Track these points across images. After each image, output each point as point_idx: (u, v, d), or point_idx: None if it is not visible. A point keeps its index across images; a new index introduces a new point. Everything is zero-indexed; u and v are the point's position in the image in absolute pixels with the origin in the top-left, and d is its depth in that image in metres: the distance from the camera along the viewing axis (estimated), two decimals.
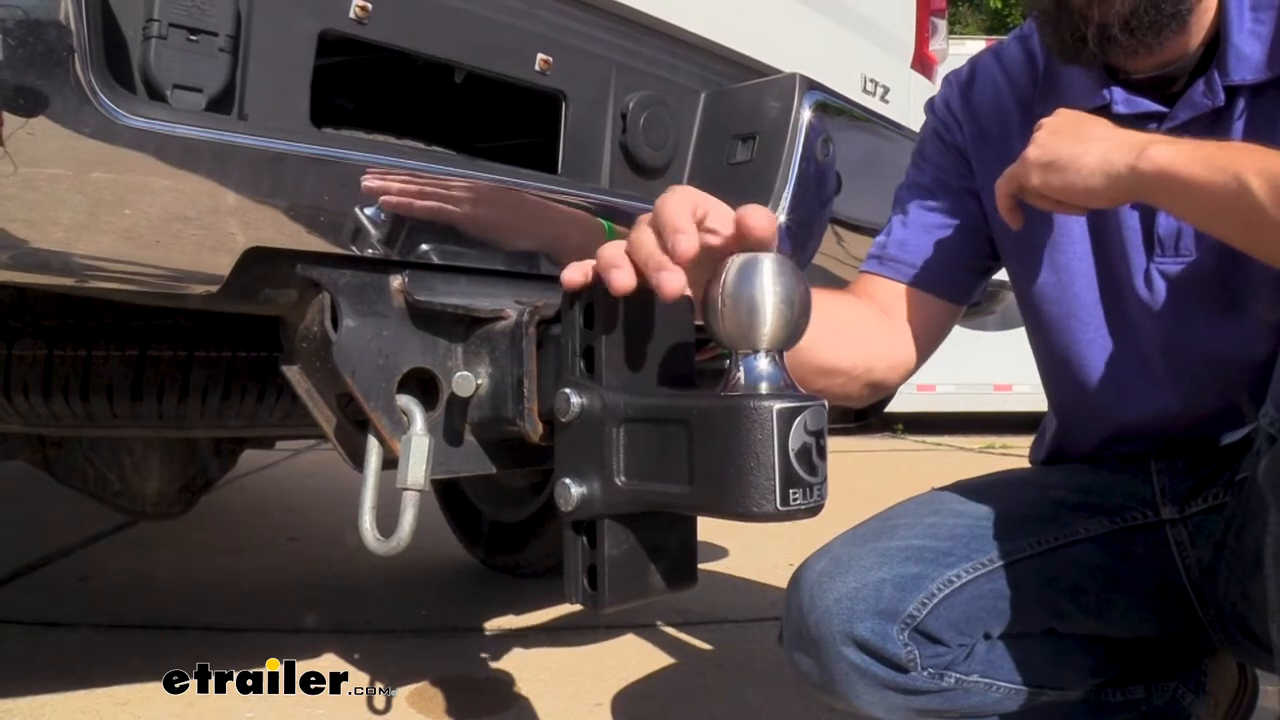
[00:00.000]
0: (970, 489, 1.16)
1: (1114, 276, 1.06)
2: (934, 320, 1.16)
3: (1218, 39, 0.95)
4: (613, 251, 0.71)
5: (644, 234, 0.70)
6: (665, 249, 0.68)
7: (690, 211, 0.69)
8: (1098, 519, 1.08)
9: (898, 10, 1.89)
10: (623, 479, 0.74)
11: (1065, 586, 1.05)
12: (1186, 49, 0.96)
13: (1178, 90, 0.99)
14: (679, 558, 0.81)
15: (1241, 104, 0.95)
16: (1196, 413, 1.06)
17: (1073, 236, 1.08)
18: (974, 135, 1.15)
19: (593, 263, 0.74)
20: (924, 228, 1.16)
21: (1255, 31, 0.93)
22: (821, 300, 0.95)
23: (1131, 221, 1.03)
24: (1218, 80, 0.94)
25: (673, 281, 0.67)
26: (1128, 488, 1.09)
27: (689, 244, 0.67)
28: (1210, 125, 0.96)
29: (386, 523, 0.91)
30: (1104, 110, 1.01)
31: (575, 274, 0.75)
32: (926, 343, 1.16)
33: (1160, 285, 1.03)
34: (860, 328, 1.11)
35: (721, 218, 0.72)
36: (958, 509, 1.10)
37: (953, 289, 1.15)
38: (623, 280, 0.69)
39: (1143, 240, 1.03)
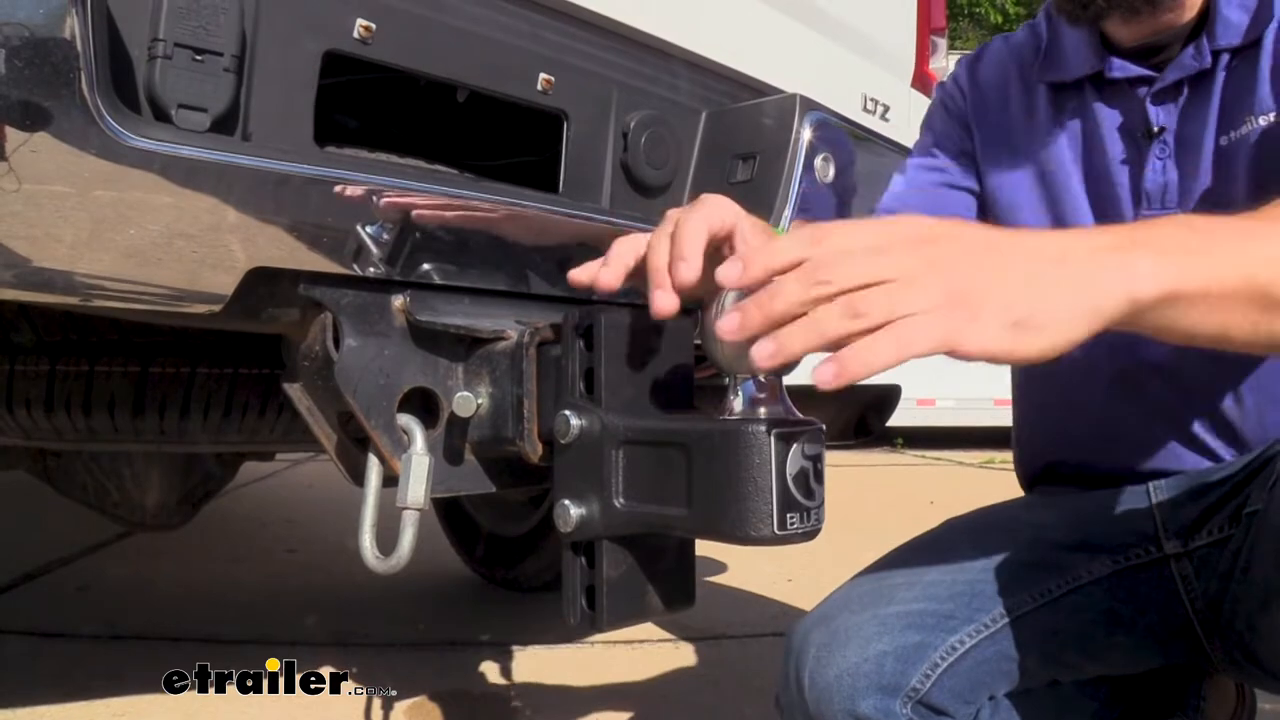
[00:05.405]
0: (966, 533, 1.13)
1: None
2: None
3: (1207, 12, 1.02)
4: (620, 249, 0.75)
5: (661, 241, 0.73)
6: (672, 266, 0.70)
7: (706, 232, 0.72)
8: (1099, 559, 1.06)
9: (898, 29, 1.90)
10: (621, 500, 0.75)
11: (1070, 637, 1.03)
12: (1179, 19, 1.03)
13: (1167, 58, 1.04)
14: (677, 578, 0.82)
15: (1223, 64, 1.01)
16: (1190, 406, 1.07)
17: (1081, 210, 1.10)
18: (975, 103, 1.20)
19: (598, 265, 0.77)
20: (920, 187, 1.20)
21: (1244, 4, 1.00)
22: None
23: (1122, 179, 1.07)
24: (1206, 45, 1.01)
25: (664, 302, 0.70)
26: (1127, 522, 1.09)
27: (688, 274, 0.69)
28: (1194, 84, 1.03)
29: (386, 540, 0.91)
30: (1098, 76, 1.08)
31: (582, 274, 0.78)
32: None
33: None
34: None
35: (743, 241, 0.75)
36: (955, 563, 1.07)
37: None
38: (607, 279, 0.74)
39: (1131, 194, 1.07)
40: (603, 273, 0.74)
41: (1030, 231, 0.66)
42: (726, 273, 0.62)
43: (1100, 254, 0.63)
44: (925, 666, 0.97)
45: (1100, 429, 1.13)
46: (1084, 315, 0.62)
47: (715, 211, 0.74)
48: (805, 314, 0.58)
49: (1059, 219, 1.12)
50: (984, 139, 1.18)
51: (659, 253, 0.72)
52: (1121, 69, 1.06)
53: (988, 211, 1.19)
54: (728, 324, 0.60)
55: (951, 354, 0.59)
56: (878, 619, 1.00)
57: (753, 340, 0.59)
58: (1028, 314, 0.60)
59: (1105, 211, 1.09)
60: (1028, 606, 1.03)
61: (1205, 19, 1.02)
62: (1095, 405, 1.11)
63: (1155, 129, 1.04)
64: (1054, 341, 0.61)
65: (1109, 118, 1.09)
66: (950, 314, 0.59)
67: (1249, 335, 0.67)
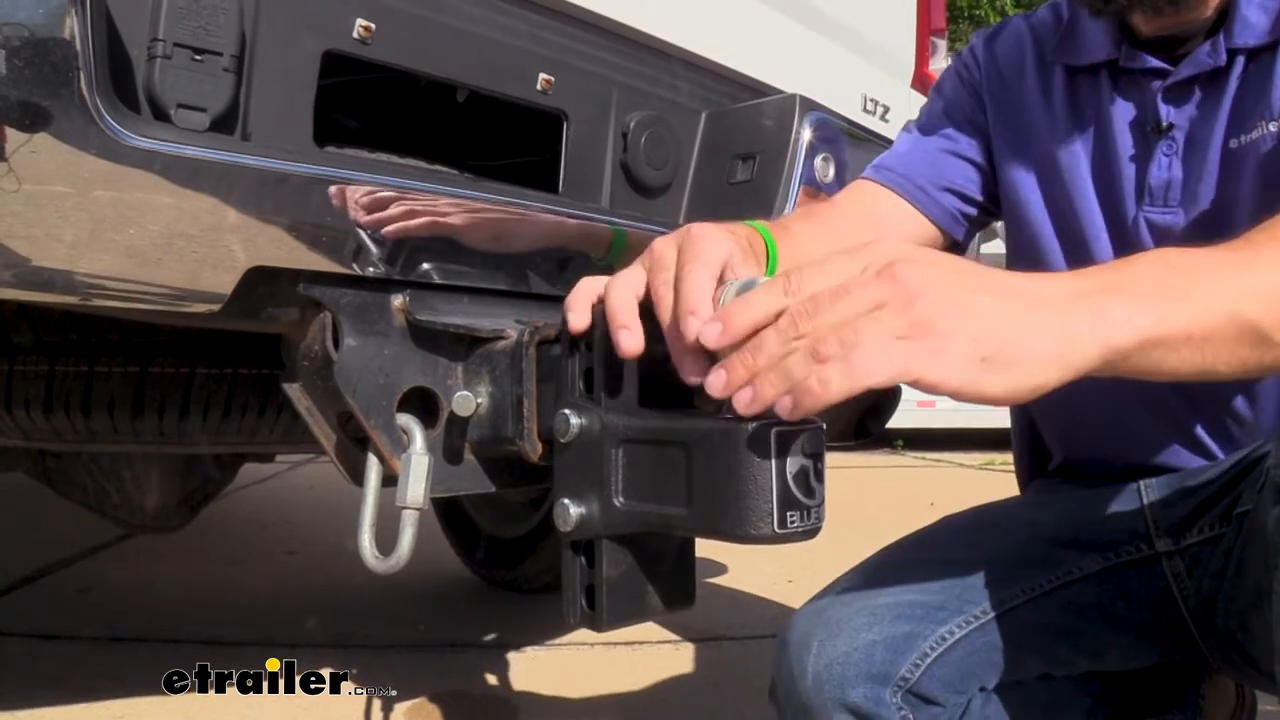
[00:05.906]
0: (959, 530, 1.14)
1: (1121, 230, 1.07)
2: (913, 238, 1.16)
3: (1228, 9, 1.00)
4: (622, 302, 0.72)
5: (665, 294, 0.71)
6: (680, 322, 0.69)
7: (712, 286, 0.70)
8: (1090, 556, 1.07)
9: (898, 29, 1.90)
10: (621, 500, 0.75)
11: (1060, 630, 1.04)
12: (1201, 15, 1.01)
13: (1185, 52, 1.03)
14: (677, 578, 0.82)
15: (1239, 65, 0.99)
16: (1195, 409, 1.06)
17: (1088, 199, 1.10)
18: (990, 76, 1.19)
19: (594, 302, 0.76)
20: (925, 149, 1.20)
21: (1264, 6, 0.97)
22: (808, 234, 1.01)
23: (1128, 172, 1.06)
24: (1222, 43, 0.99)
25: (694, 370, 0.69)
26: (1119, 520, 1.09)
27: (695, 329, 0.68)
28: (1207, 82, 1.01)
29: (386, 540, 0.91)
30: (1112, 64, 1.07)
31: (579, 320, 0.77)
32: None
33: (1145, 235, 1.04)
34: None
35: (731, 273, 0.74)
36: (947, 556, 1.08)
37: (937, 210, 1.17)
38: (632, 346, 0.71)
39: (1135, 189, 1.06)
40: (624, 337, 0.72)
41: (1004, 271, 0.66)
42: (707, 334, 0.65)
43: (1075, 300, 0.63)
44: (915, 656, 0.98)
45: (1103, 428, 1.13)
46: (1056, 360, 0.61)
47: (713, 255, 0.73)
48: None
49: (1064, 206, 1.11)
50: (996, 114, 1.17)
51: (666, 307, 0.71)
52: (1137, 60, 1.05)
53: (992, 189, 1.19)
54: (715, 382, 0.64)
55: (915, 385, 0.60)
56: (868, 610, 1.00)
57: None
58: (996, 349, 0.59)
59: (1110, 203, 1.08)
60: (1017, 600, 1.03)
61: (1225, 16, 1.00)
62: (1099, 405, 1.11)
63: (1164, 125, 1.03)
64: (1023, 382, 0.60)
65: (1121, 109, 1.07)
66: (914, 344, 0.58)
67: (1236, 369, 0.67)
